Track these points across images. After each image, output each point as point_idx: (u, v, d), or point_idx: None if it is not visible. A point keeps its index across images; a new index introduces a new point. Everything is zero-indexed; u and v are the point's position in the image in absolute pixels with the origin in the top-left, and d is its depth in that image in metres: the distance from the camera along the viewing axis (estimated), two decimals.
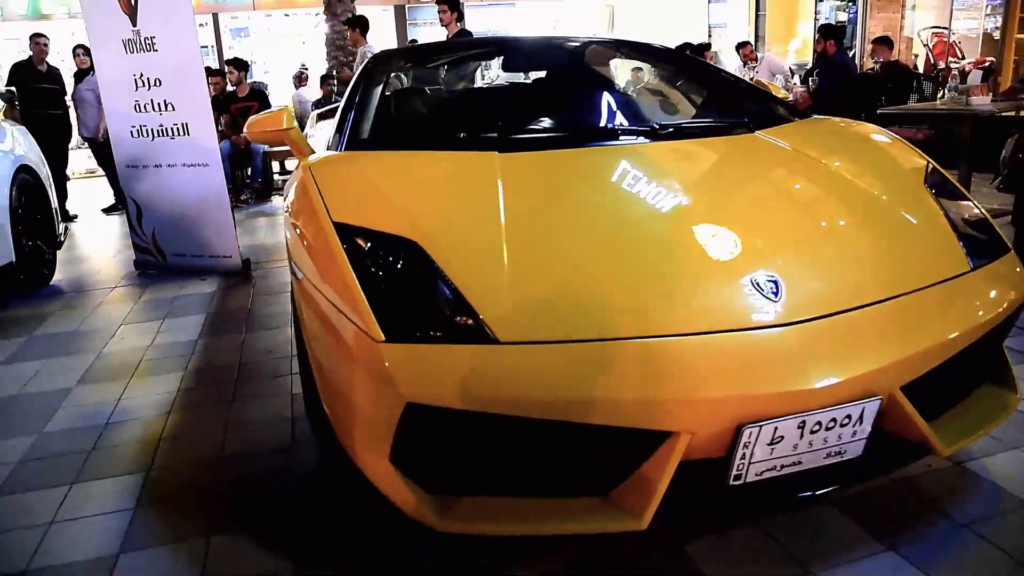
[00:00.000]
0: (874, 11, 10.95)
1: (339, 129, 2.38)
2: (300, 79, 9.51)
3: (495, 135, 2.16)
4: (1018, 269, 1.80)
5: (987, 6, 10.54)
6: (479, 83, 3.65)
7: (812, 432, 1.46)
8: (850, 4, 13.77)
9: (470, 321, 1.45)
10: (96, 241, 6.08)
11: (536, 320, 1.46)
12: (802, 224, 1.76)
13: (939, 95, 5.67)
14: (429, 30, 14.37)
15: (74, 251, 5.62)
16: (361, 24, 7.26)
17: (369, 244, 1.64)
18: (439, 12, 6.66)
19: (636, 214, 1.76)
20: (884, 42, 6.80)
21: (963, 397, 1.80)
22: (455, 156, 2.05)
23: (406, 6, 13.70)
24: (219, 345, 3.26)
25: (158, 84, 4.29)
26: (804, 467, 1.51)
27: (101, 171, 8.23)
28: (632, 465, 1.47)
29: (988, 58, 9.25)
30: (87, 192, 8.45)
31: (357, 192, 1.88)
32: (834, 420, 1.46)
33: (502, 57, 3.01)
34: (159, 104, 4.32)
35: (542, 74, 3.15)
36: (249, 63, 7.82)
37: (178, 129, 4.35)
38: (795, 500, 1.53)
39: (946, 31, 9.94)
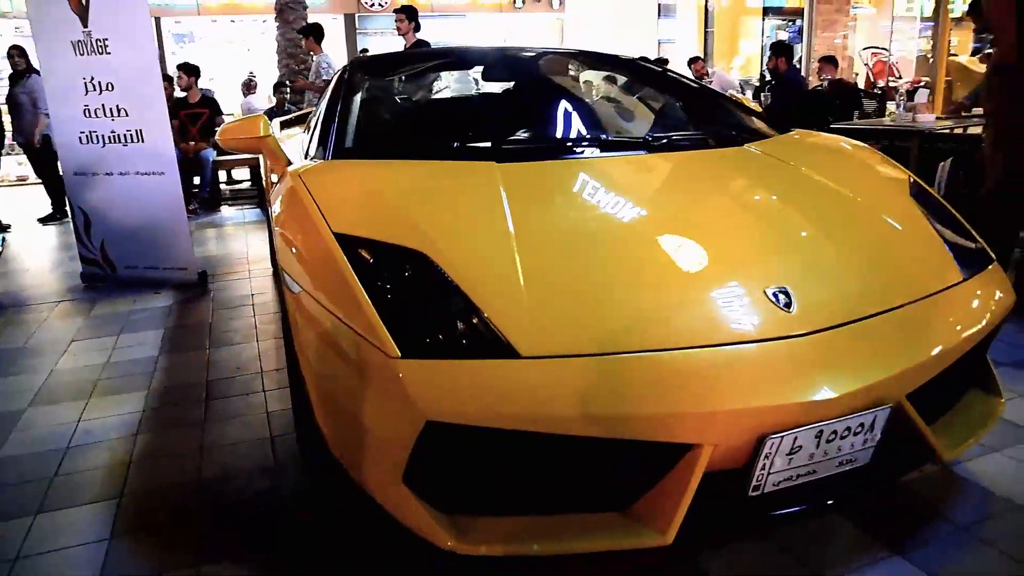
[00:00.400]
0: (819, 31, 11.39)
1: (322, 138, 2.30)
2: (249, 87, 9.29)
3: (490, 145, 2.12)
4: (1003, 279, 1.86)
5: (918, 31, 11.11)
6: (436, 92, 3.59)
7: (828, 441, 1.46)
8: (790, 24, 14.28)
9: (489, 335, 1.40)
10: (35, 253, 5.76)
11: (556, 333, 1.42)
12: (806, 236, 1.77)
13: (886, 112, 5.91)
14: (380, 39, 14.27)
15: (11, 263, 5.31)
16: (316, 32, 7.13)
17: (374, 255, 1.58)
18: (396, 21, 6.63)
19: (645, 225, 1.75)
20: (830, 61, 7.06)
21: (954, 403, 1.85)
22: (452, 166, 2.00)
23: (356, 15, 13.56)
24: (182, 362, 3.11)
25: (110, 88, 4.10)
26: (818, 476, 1.51)
27: (34, 178, 7.83)
28: (653, 479, 1.44)
29: (924, 78, 9.73)
30: (18, 200, 8.02)
31: (355, 201, 1.81)
32: (848, 429, 1.47)
33: (482, 67, 2.98)
34: (111, 109, 4.13)
35: (509, 84, 3.13)
36: (200, 68, 7.55)
37: (131, 136, 4.16)
38: (811, 509, 1.53)
39: (885, 52, 10.41)
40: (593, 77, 3.17)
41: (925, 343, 1.58)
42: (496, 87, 2.99)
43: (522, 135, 2.30)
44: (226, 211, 7.56)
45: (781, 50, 7.14)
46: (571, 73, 2.95)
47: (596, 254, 1.61)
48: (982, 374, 1.92)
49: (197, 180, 7.44)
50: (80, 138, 4.24)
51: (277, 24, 8.88)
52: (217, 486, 2.08)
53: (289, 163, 2.54)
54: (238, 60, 13.27)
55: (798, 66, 10.20)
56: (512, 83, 3.00)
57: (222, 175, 8.62)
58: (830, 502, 1.56)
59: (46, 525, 1.93)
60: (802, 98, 6.54)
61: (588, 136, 2.37)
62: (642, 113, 2.76)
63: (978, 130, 4.87)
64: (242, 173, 9.81)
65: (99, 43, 4.03)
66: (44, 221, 6.94)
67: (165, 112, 4.12)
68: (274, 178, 2.59)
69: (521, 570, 1.64)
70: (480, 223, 1.70)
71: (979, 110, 5.18)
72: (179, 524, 1.90)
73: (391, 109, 2.75)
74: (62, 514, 1.98)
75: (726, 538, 1.70)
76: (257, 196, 8.01)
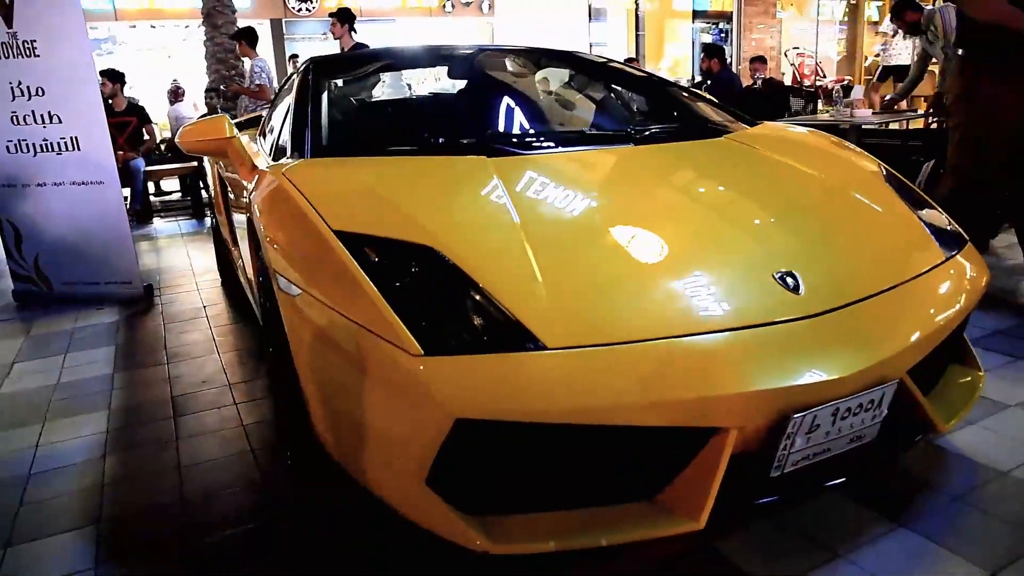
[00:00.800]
0: (747, 33, 11.83)
1: (295, 137, 2.20)
2: (176, 95, 8.93)
3: (474, 140, 2.09)
4: (979, 257, 1.95)
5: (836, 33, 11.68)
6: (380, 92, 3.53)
7: (842, 418, 1.50)
8: (713, 27, 14.77)
9: (513, 328, 1.38)
10: None
11: (578, 324, 1.41)
12: (800, 222, 1.81)
13: (818, 109, 6.16)
14: (308, 45, 13.97)
15: None
16: (249, 36, 6.95)
17: (379, 252, 1.53)
18: (331, 25, 6.56)
19: (648, 214, 1.76)
20: (760, 60, 7.32)
21: (939, 378, 1.92)
22: (443, 160, 1.96)
23: (283, 20, 13.22)
24: (142, 379, 2.95)
25: (40, 93, 3.85)
26: (831, 454, 1.55)
27: None
28: (679, 466, 1.44)
29: (847, 76, 10.23)
30: None
31: (350, 198, 1.75)
32: (860, 405, 1.50)
33: (448, 65, 2.95)
34: (42, 116, 3.88)
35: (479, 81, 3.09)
36: (124, 75, 7.21)
37: (65, 143, 3.92)
38: (826, 486, 1.56)
39: (810, 53, 10.91)
40: (563, 74, 3.17)
41: (921, 320, 1.64)
42: (466, 83, 2.95)
43: (505, 130, 2.28)
44: (159, 223, 7.24)
45: (714, 52, 7.37)
46: (538, 70, 2.94)
47: (605, 243, 1.61)
48: (961, 350, 2.01)
49: (127, 192, 7.09)
50: (8, 147, 3.96)
51: (205, 29, 8.56)
52: (204, 504, 1.97)
53: (255, 166, 2.45)
54: (158, 67, 12.74)
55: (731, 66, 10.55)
56: (477, 81, 2.97)
57: (150, 187, 8.26)
58: (842, 479, 1.59)
59: (21, 558, 1.78)
60: (739, 97, 6.75)
61: (572, 130, 2.37)
62: (617, 108, 2.78)
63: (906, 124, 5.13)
64: (170, 184, 9.44)
65: (26, 45, 3.78)
66: None
67: (103, 118, 3.90)
68: (245, 183, 2.48)
69: (545, 563, 1.61)
70: (484, 216, 1.67)
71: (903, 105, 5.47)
72: (170, 546, 1.79)
73: (363, 107, 2.69)
74: (37, 545, 1.83)
75: (746, 521, 1.72)
76: (191, 207, 7.71)
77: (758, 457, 1.47)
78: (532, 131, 2.34)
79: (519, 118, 2.40)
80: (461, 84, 3.12)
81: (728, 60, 11.83)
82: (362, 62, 3.13)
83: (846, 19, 13.32)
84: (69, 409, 2.68)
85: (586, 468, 1.43)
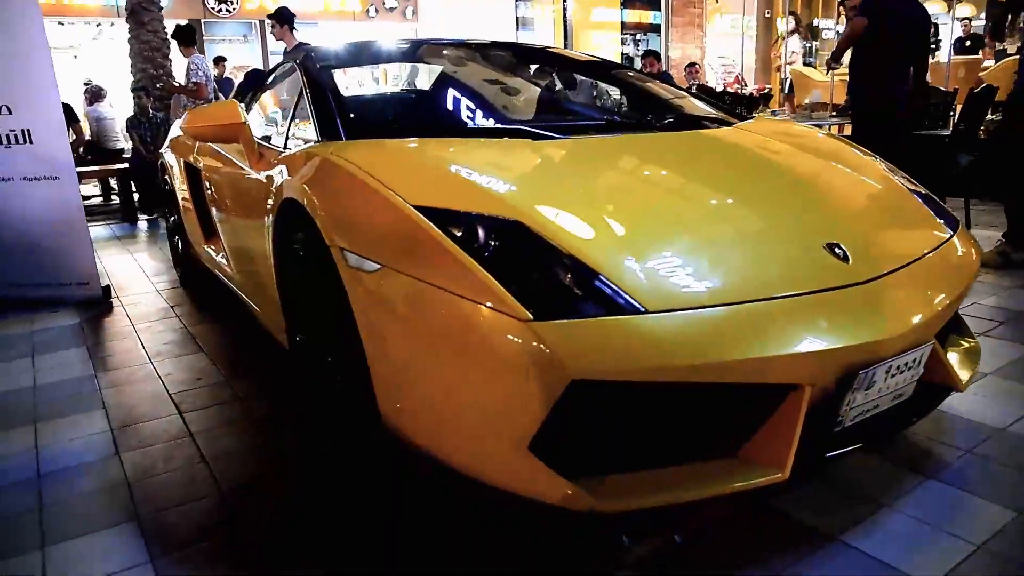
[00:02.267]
0: (675, 42, 12.35)
1: (324, 122, 2.17)
2: (97, 95, 8.45)
3: (512, 125, 2.13)
4: (971, 236, 2.16)
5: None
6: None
7: (892, 376, 1.63)
8: (631, 37, 15.34)
9: (613, 294, 1.43)
10: None
11: (669, 289, 1.47)
12: (833, 199, 1.96)
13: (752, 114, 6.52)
14: (229, 47, 13.54)
15: None
16: (186, 34, 6.69)
17: (463, 226, 1.55)
18: (271, 27, 6.46)
19: (705, 191, 1.85)
20: (694, 65, 7.67)
21: (945, 344, 2.11)
22: (492, 142, 1.99)
23: (202, 21, 12.74)
24: (129, 378, 2.81)
25: None
26: (879, 410, 1.68)
27: None
28: (759, 422, 1.54)
29: (766, 84, 10.84)
30: None
31: (418, 175, 1.76)
32: (906, 364, 1.64)
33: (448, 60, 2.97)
34: None
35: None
36: None
37: (15, 136, 3.68)
38: (877, 440, 1.69)
39: (734, 62, 11.50)
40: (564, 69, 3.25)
41: (945, 288, 1.80)
42: (479, 77, 2.98)
43: (534, 118, 2.33)
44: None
45: (651, 53, 7.66)
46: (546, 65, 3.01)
47: (674, 216, 1.69)
48: (957, 321, 2.21)
49: None
50: None
51: (129, 26, 8.16)
52: (247, 496, 1.91)
53: (262, 153, 2.41)
54: (65, 66, 12.02)
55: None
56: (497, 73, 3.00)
57: None
58: (890, 432, 1.73)
59: (62, 557, 1.68)
60: None
61: (596, 118, 2.45)
62: (617, 100, 2.88)
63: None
64: (93, 189, 8.94)
65: None
66: None
67: (59, 109, 3.69)
68: (254, 172, 2.42)
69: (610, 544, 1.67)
70: (554, 189, 1.71)
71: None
72: (227, 537, 1.73)
73: (373, 95, 2.67)
74: (75, 544, 1.73)
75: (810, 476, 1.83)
76: (121, 210, 7.32)
77: (822, 415, 1.59)
78: (558, 118, 2.41)
79: (548, 108, 2.46)
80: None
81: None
82: (352, 52, 3.11)
83: (758, 32, 14.17)
84: (59, 411, 2.52)
85: (677, 426, 1.50)
